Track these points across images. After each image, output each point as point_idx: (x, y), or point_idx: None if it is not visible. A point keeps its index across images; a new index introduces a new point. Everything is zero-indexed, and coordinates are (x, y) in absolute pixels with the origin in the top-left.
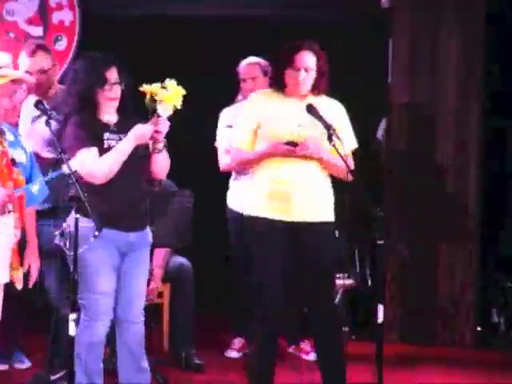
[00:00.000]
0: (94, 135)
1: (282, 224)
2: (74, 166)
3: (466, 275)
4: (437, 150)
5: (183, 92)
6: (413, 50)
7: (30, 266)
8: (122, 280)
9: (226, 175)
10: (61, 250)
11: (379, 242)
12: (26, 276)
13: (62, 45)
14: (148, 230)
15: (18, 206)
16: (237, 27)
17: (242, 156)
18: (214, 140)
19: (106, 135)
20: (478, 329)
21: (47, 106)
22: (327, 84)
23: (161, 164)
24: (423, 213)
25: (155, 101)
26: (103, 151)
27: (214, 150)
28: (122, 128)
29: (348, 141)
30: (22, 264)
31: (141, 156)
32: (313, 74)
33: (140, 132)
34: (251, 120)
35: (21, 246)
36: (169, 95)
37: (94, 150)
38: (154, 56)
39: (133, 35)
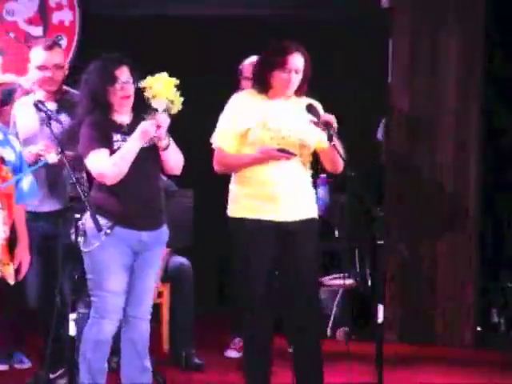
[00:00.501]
0: (105, 136)
1: (270, 224)
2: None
3: (466, 275)
4: (437, 150)
5: (175, 82)
6: (413, 50)
7: (20, 263)
8: (133, 278)
9: (229, 175)
10: (77, 248)
11: (379, 242)
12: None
13: (62, 45)
14: (164, 228)
15: (6, 203)
16: (237, 27)
17: (230, 160)
18: None
19: (117, 136)
20: (478, 329)
21: (48, 107)
22: (307, 86)
23: (172, 160)
24: (423, 213)
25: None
26: (113, 152)
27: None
28: (134, 129)
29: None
30: (12, 260)
31: (152, 154)
32: (300, 76)
33: (144, 129)
34: (240, 123)
35: (11, 243)
36: (159, 90)
37: (104, 151)
38: (153, 56)
39: (133, 35)
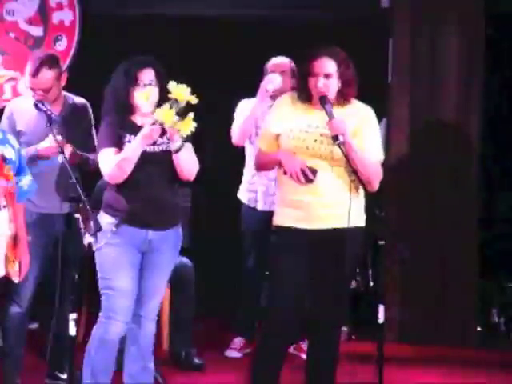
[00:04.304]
0: (117, 136)
1: (303, 232)
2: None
3: (466, 275)
4: (437, 150)
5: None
6: (413, 50)
7: (20, 262)
8: (141, 279)
9: (227, 175)
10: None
11: (381, 243)
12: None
13: (62, 45)
14: (174, 230)
15: (10, 201)
16: (237, 27)
17: (261, 158)
18: (214, 139)
19: (131, 137)
20: (478, 329)
21: (48, 107)
22: (354, 91)
23: (184, 165)
24: (423, 213)
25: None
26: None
27: (214, 150)
28: None
29: (369, 149)
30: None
31: (168, 158)
32: (334, 80)
33: (145, 133)
34: (273, 128)
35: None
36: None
37: (111, 151)
38: (153, 56)
39: (133, 35)
